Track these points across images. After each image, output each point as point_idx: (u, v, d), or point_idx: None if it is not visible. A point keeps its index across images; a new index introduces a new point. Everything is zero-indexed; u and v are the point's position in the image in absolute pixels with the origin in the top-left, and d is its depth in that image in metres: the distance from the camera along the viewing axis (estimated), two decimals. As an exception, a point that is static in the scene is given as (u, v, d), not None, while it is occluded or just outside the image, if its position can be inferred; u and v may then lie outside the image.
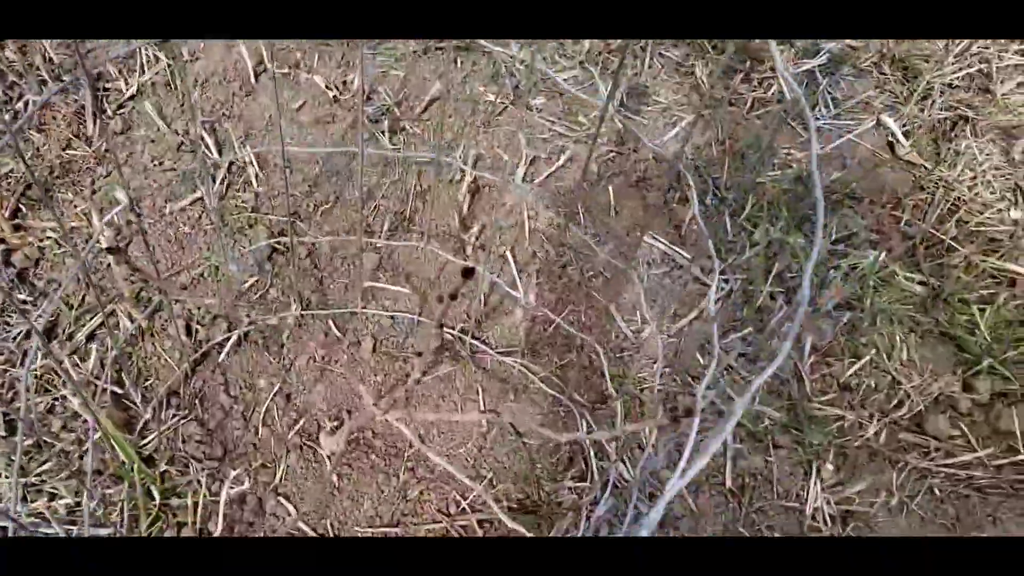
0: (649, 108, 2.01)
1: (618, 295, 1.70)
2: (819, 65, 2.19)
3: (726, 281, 1.73)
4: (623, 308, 1.69)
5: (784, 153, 1.98)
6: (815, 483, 1.50)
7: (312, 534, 1.38)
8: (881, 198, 1.95)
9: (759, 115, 2.04)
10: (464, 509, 1.44)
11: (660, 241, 1.79)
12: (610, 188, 1.84)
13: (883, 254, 1.81)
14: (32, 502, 1.29)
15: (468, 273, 0.77)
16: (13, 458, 1.30)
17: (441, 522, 1.41)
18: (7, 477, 1.31)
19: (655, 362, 1.62)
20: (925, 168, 2.02)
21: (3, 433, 1.35)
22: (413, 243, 1.67)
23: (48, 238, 1.58)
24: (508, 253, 1.70)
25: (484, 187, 1.79)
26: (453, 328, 1.61)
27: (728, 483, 1.50)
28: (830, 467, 1.52)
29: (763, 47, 2.20)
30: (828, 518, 1.48)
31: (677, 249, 1.78)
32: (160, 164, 1.70)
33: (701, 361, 1.63)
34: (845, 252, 1.82)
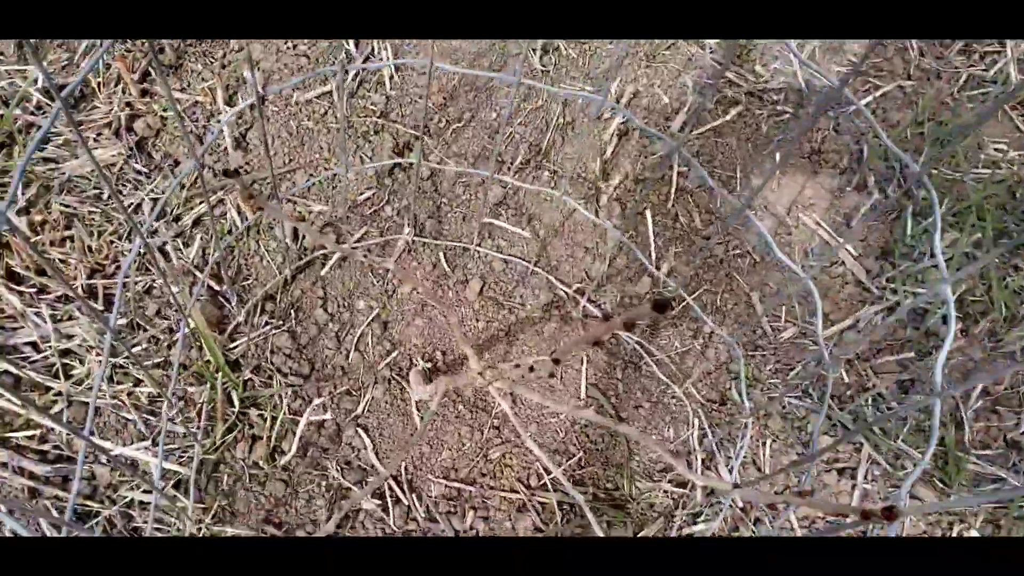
0: (842, 67, 1.72)
1: (763, 283, 1.48)
2: (1061, 47, 1.81)
3: (894, 291, 1.48)
4: (767, 299, 1.48)
5: (995, 149, 1.66)
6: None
7: (383, 472, 1.29)
8: (1105, 224, 1.61)
9: (972, 96, 1.71)
10: (546, 485, 1.32)
11: (824, 229, 1.54)
12: (777, 155, 1.60)
13: (1093, 294, 1.51)
14: (118, 384, 1.26)
15: (660, 308, 0.60)
16: (105, 335, 1.26)
17: (518, 493, 1.30)
18: (99, 354, 1.27)
19: (792, 370, 1.41)
20: None
21: (100, 307, 1.31)
22: (544, 188, 1.49)
23: (170, 109, 1.50)
24: (647, 213, 1.51)
25: (634, 131, 1.58)
26: (568, 286, 1.45)
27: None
28: (975, 535, 1.30)
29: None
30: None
31: (843, 242, 1.53)
32: (294, 47, 1.57)
33: (845, 379, 1.42)
34: (1046, 283, 1.52)
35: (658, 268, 1.47)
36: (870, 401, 1.40)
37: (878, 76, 1.72)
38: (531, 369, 0.90)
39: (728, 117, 1.61)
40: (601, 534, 1.10)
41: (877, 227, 1.55)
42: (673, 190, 1.54)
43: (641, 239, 1.50)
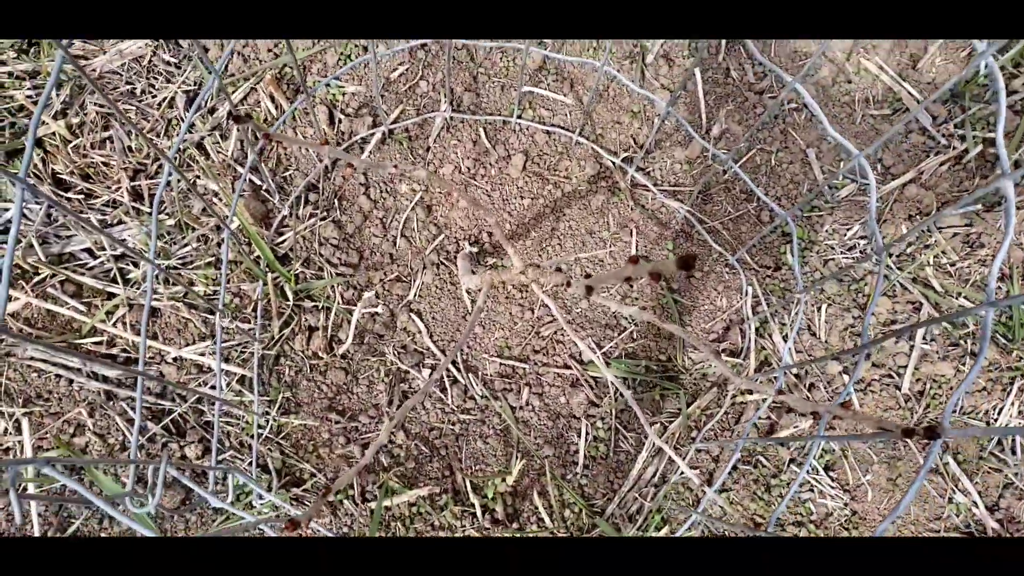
0: None
1: (822, 139, 1.36)
2: None
3: (963, 138, 1.33)
4: (824, 155, 1.35)
5: None
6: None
7: (440, 355, 1.28)
8: None
9: None
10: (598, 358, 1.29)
11: (887, 72, 1.38)
12: (839, -5, 1.41)
13: None
14: (173, 285, 1.24)
15: (686, 265, 0.52)
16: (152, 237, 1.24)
17: (571, 368, 1.28)
18: (147, 254, 1.25)
19: (849, 230, 1.31)
20: None
21: (147, 209, 1.27)
22: (584, 58, 1.36)
23: (191, -8, 1.38)
24: (697, 72, 1.36)
25: (681, -22, 1.41)
26: (615, 155, 1.35)
27: (905, 387, 1.26)
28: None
29: None
30: None
31: (906, 87, 1.37)
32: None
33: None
34: None
35: (709, 131, 1.35)
36: (931, 260, 1.30)
37: None
38: (568, 285, 0.84)
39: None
40: (642, 415, 1.07)
41: (946, 67, 1.38)
42: (724, 41, 1.39)
43: (690, 98, 1.37)
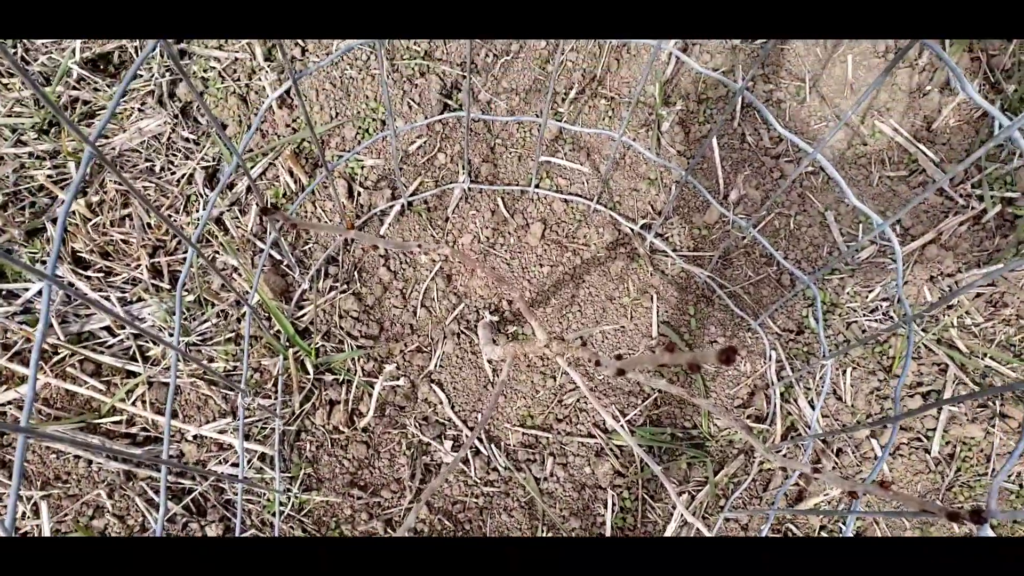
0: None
1: (840, 201, 1.35)
2: None
3: (980, 198, 1.33)
4: (843, 217, 1.35)
5: None
6: None
7: (462, 426, 1.25)
8: None
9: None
10: (622, 428, 1.26)
11: (902, 134, 1.38)
12: (849, 57, 1.42)
13: None
14: (192, 363, 1.22)
15: (727, 359, 0.50)
16: (174, 313, 1.22)
17: (595, 438, 1.25)
18: (170, 335, 1.24)
19: (871, 292, 1.30)
20: None
21: (167, 286, 1.26)
22: (600, 129, 1.36)
23: (212, 68, 1.39)
24: (713, 139, 1.36)
25: (692, 45, 1.42)
26: (634, 221, 1.34)
27: (935, 451, 1.23)
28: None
29: None
30: None
31: (923, 148, 1.37)
32: (327, -10, 1.43)
33: (928, 297, 1.29)
34: None
35: (727, 196, 1.35)
36: (955, 321, 1.28)
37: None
38: (597, 363, 0.82)
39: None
40: (669, 484, 1.05)
41: (961, 128, 1.38)
42: (739, 107, 1.39)
43: (707, 164, 1.36)
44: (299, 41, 1.39)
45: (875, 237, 1.33)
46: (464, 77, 1.39)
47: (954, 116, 1.37)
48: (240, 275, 1.27)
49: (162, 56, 1.38)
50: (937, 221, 1.33)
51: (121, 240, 1.28)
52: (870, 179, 1.36)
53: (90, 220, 1.28)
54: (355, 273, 1.31)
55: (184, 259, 1.17)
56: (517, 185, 1.35)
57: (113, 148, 1.33)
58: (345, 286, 1.29)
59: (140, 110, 1.36)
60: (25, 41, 1.38)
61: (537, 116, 1.36)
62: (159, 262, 1.27)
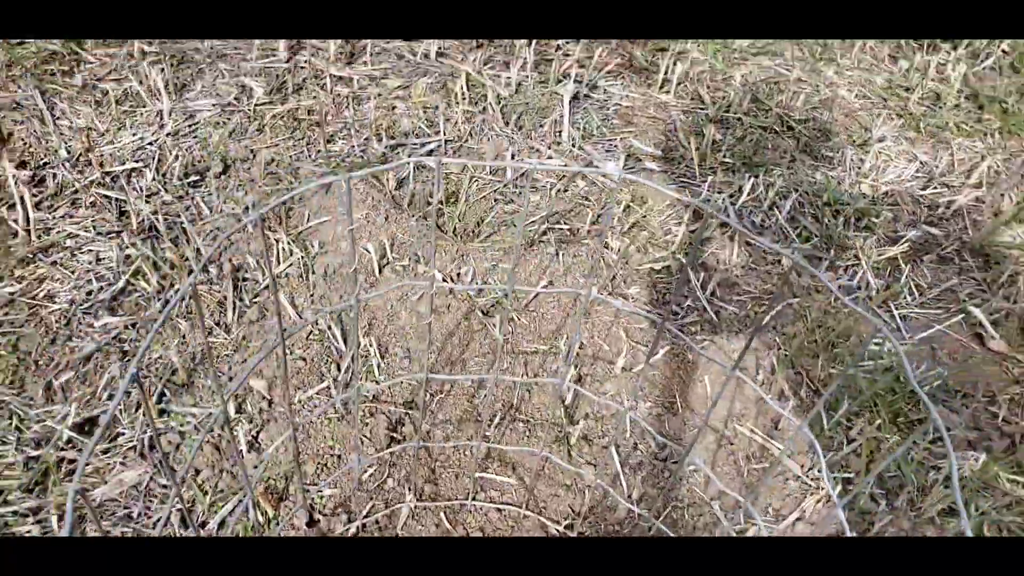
0: (739, 297, 2.00)
1: (722, 492, 1.63)
2: (901, 252, 2.16)
3: (834, 479, 1.64)
4: (725, 504, 1.62)
5: (874, 343, 1.92)
6: None
7: None
8: (975, 392, 1.86)
9: (845, 305, 2.00)
10: None
11: (758, 435, 1.73)
12: (706, 378, 1.81)
13: (983, 455, 1.71)
14: None
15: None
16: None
17: None
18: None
19: (761, 568, 1.53)
20: (1017, 360, 1.94)
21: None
22: (522, 447, 1.64)
23: (187, 423, 1.61)
24: (613, 448, 1.66)
25: (586, 376, 1.78)
26: (558, 522, 1.56)
27: None
28: None
29: (846, 236, 2.18)
30: None
31: (775, 443, 1.71)
32: (291, 352, 1.74)
33: (807, 568, 1.53)
34: (943, 452, 1.72)
35: (631, 495, 1.60)
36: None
37: (768, 298, 2.00)
38: None
39: (660, 355, 1.84)
40: None
41: (801, 426, 1.74)
42: (628, 425, 1.71)
43: (610, 468, 1.64)
44: (265, 395, 1.65)
45: (745, 517, 1.59)
46: (407, 414, 1.67)
47: (793, 417, 1.75)
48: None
49: (144, 415, 1.60)
50: (800, 501, 1.62)
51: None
52: (741, 471, 1.66)
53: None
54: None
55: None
56: (457, 499, 1.56)
57: (94, 499, 1.47)
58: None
59: (123, 463, 1.53)
60: (19, 412, 1.57)
61: (470, 440, 1.63)
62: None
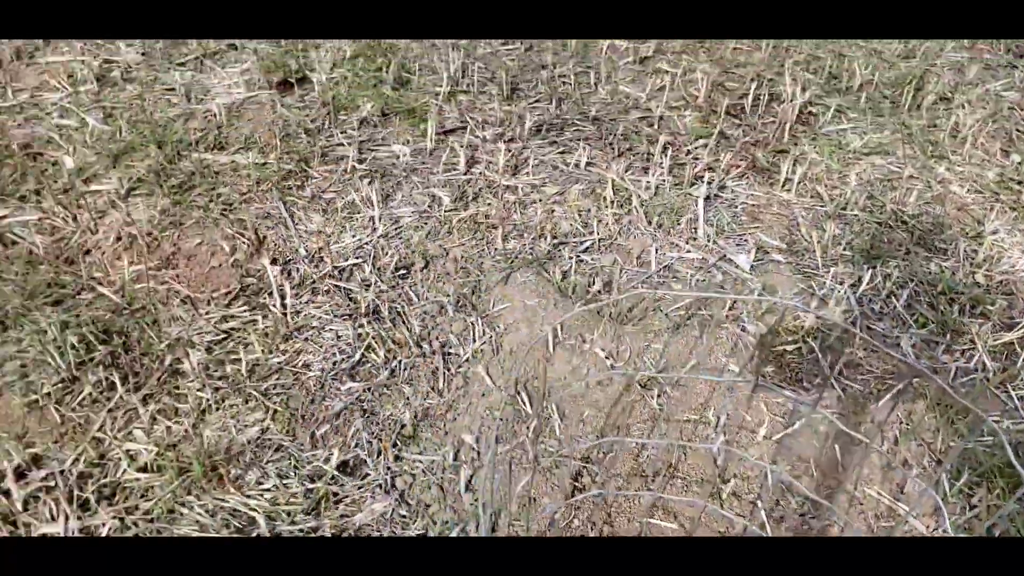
0: (863, 376, 2.29)
1: (854, 545, 1.91)
2: (1017, 338, 2.40)
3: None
4: None
5: (993, 420, 2.16)
6: None
7: None
8: (1090, 467, 2.06)
9: (963, 383, 2.26)
10: None
11: (885, 497, 2.00)
12: (836, 447, 2.10)
13: (1099, 523, 1.91)
14: None
15: None
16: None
17: None
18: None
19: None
20: None
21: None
22: (688, 499, 1.99)
23: (418, 466, 2.05)
24: (758, 501, 1.98)
25: (733, 442, 2.12)
26: (715, 562, 1.88)
27: None
28: None
29: (961, 322, 2.44)
30: None
31: (902, 505, 1.98)
32: (491, 413, 2.17)
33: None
34: (1061, 520, 1.94)
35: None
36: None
37: (890, 378, 2.28)
38: None
39: (796, 426, 2.15)
40: None
41: (927, 491, 2.01)
42: (770, 483, 2.03)
43: (757, 520, 1.95)
44: (474, 446, 2.08)
45: None
46: (584, 467, 2.05)
47: (918, 484, 2.01)
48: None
49: (383, 459, 2.05)
50: (925, 556, 1.88)
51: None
52: (869, 526, 1.94)
53: None
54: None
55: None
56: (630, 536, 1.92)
57: (355, 523, 1.92)
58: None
59: (372, 496, 1.98)
60: (295, 455, 2.05)
61: (637, 491, 1.99)
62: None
